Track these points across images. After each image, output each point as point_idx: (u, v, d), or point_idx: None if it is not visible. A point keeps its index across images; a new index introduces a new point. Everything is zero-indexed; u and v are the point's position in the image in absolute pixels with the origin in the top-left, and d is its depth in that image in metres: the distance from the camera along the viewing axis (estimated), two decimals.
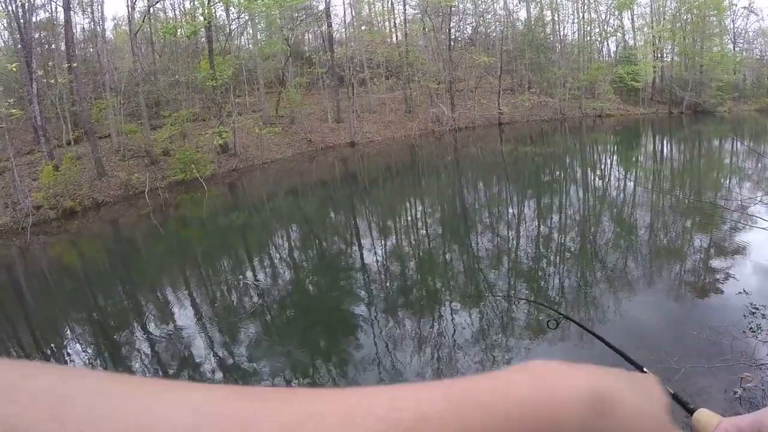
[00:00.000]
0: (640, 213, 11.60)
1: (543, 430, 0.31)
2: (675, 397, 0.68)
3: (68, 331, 7.80)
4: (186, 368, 5.86)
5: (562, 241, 9.67)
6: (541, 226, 10.93)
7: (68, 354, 6.90)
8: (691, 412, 0.65)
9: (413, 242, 10.46)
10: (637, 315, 5.94)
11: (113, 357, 6.53)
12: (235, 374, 5.52)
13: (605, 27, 39.79)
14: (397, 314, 6.74)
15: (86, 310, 8.72)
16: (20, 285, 11.33)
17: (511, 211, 12.66)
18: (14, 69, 18.79)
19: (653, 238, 9.08)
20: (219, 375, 5.55)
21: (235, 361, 5.88)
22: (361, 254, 9.63)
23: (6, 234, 15.09)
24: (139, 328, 7.27)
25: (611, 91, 37.03)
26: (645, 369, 0.71)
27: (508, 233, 10.50)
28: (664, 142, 25.17)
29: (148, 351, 6.47)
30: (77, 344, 7.24)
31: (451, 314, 6.42)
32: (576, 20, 39.06)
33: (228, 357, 5.98)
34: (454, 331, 5.92)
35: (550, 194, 14.06)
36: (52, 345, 7.36)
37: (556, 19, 39.17)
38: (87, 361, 6.48)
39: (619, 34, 41.31)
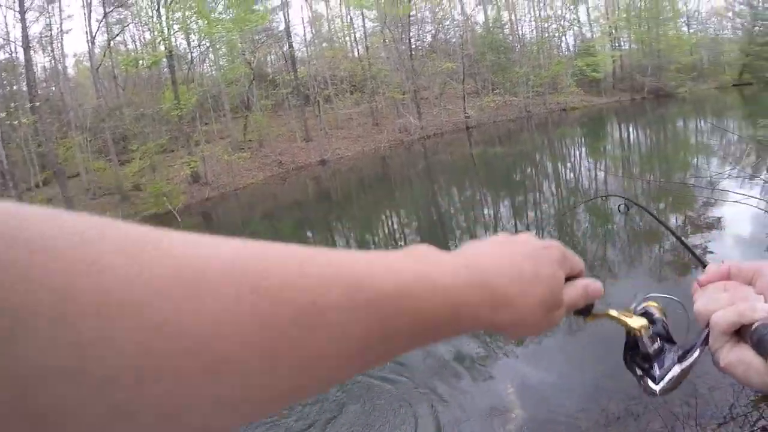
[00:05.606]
0: (615, 200, 11.56)
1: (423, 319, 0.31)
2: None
3: None
4: None
5: (542, 237, 9.66)
6: (518, 226, 10.86)
7: None
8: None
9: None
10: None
11: None
12: None
13: (562, 22, 40.50)
14: None
15: None
16: None
17: (486, 212, 12.51)
18: None
19: (629, 223, 9.15)
20: None
21: None
22: None
23: None
24: None
25: (573, 84, 37.48)
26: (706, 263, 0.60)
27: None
28: (630, 128, 25.48)
29: None
30: None
31: None
32: (533, 18, 39.76)
33: None
34: None
35: (523, 192, 13.93)
36: None
37: (513, 19, 39.67)
38: None
39: (576, 28, 42.15)
